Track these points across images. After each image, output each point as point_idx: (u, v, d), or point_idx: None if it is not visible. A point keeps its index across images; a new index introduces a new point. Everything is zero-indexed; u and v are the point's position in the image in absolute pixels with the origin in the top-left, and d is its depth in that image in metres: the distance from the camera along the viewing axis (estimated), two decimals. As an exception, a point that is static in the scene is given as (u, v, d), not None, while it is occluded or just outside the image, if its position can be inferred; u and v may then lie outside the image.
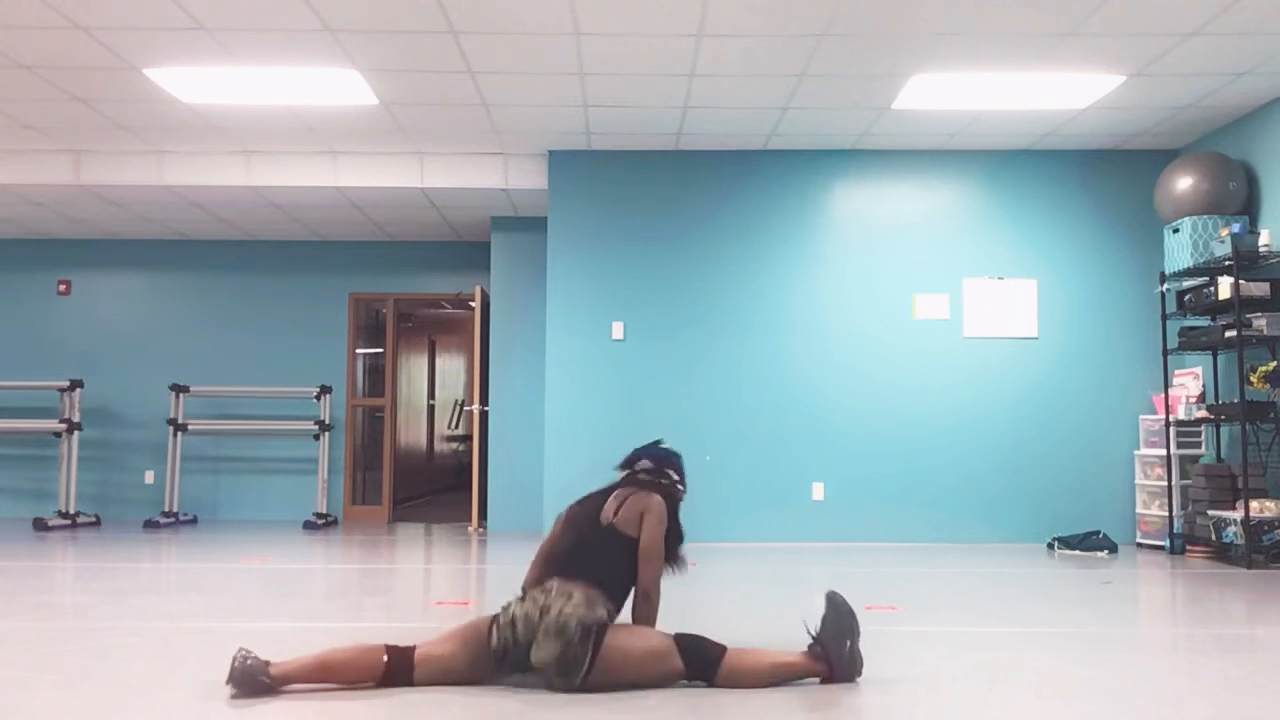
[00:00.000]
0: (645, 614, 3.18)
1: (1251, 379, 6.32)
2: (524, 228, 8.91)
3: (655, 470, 3.34)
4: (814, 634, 3.11)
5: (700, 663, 3.00)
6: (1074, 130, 7.21)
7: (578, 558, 3.10)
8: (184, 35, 5.53)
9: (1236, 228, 6.46)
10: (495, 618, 3.04)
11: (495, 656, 3.00)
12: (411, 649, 3.03)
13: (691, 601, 4.80)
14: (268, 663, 2.95)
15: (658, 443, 3.50)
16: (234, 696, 2.93)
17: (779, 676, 3.06)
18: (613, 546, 3.13)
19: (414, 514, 10.40)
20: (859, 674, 3.10)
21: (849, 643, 3.05)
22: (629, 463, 3.41)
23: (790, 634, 3.94)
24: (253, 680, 2.91)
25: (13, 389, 9.36)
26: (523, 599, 3.04)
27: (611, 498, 3.25)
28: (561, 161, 7.74)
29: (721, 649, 3.02)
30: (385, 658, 2.99)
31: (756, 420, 7.46)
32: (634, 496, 3.21)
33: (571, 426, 7.53)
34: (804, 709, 2.86)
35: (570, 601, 2.94)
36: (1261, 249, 6.35)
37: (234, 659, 2.93)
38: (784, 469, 7.46)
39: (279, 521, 9.33)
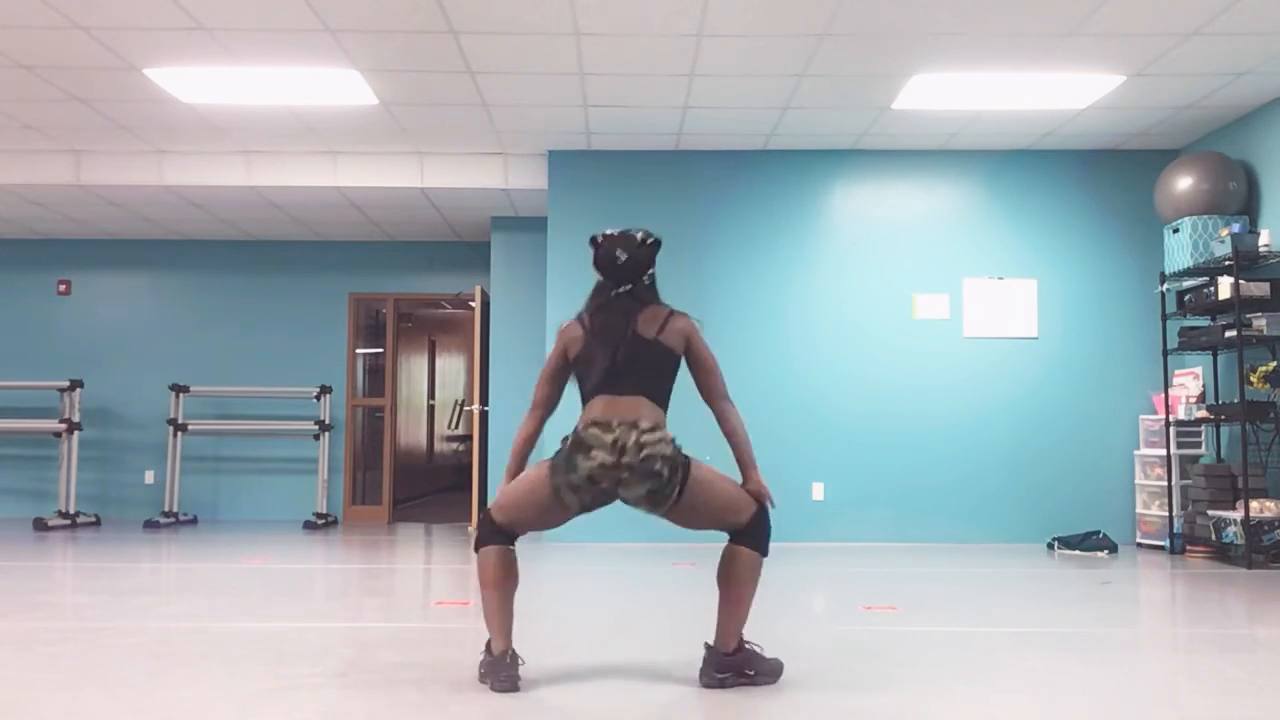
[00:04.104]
0: (736, 420, 3.15)
1: (1251, 379, 6.32)
2: (524, 228, 8.91)
3: (650, 286, 3.22)
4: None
5: (757, 534, 3.08)
6: (1074, 130, 7.21)
7: (631, 368, 3.06)
8: (184, 35, 5.53)
9: (1236, 228, 6.46)
10: (556, 481, 2.98)
11: (578, 510, 3.03)
12: (506, 532, 3.09)
13: (693, 601, 4.80)
14: (497, 655, 3.05)
15: (633, 238, 3.19)
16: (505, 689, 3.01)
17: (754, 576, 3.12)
18: (659, 358, 3.09)
19: (414, 514, 10.40)
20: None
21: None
22: (614, 274, 3.16)
23: (791, 633, 3.94)
24: (515, 668, 3.05)
25: (13, 389, 9.36)
26: (581, 446, 2.95)
27: (648, 316, 3.12)
28: (561, 161, 7.74)
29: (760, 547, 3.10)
30: (509, 548, 3.08)
31: (757, 420, 7.45)
32: (674, 316, 3.13)
33: (570, 426, 7.51)
34: (804, 710, 2.86)
35: (644, 435, 2.93)
36: (1261, 249, 6.35)
37: (501, 677, 3.01)
38: (784, 469, 7.46)
39: (279, 521, 9.33)
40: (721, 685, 3.06)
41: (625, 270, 3.15)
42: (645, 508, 3.01)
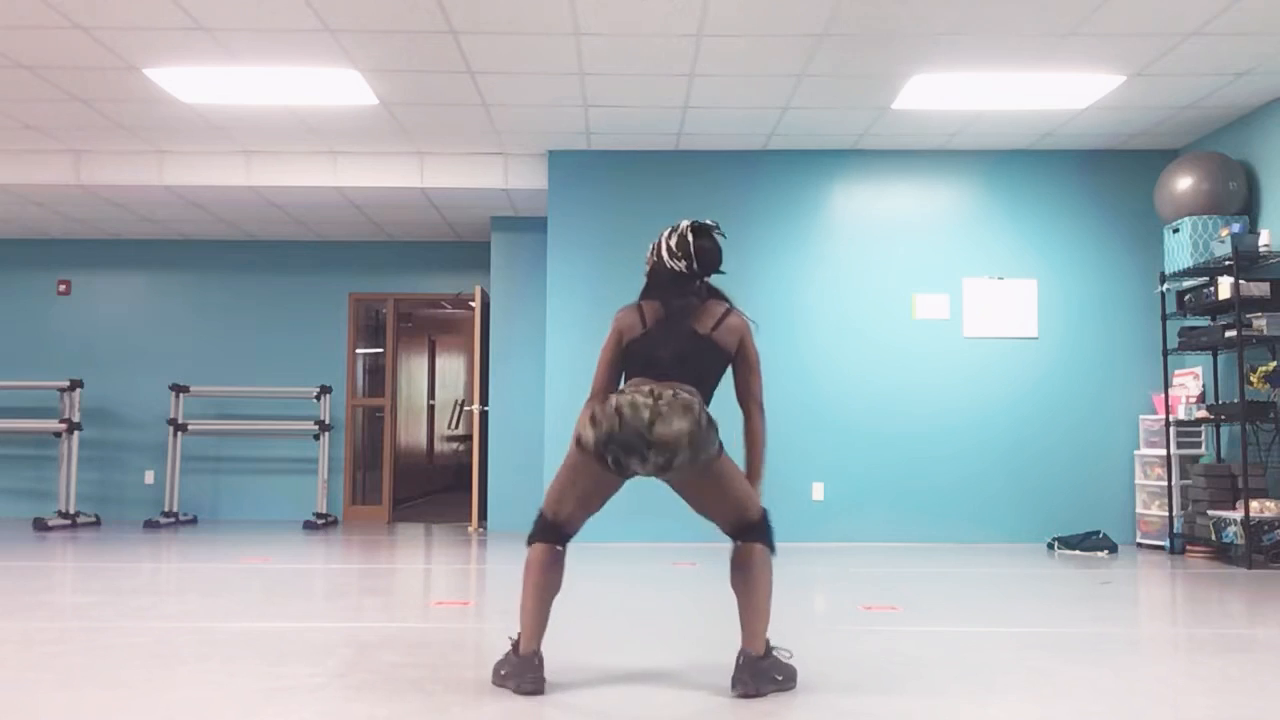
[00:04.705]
0: (761, 428, 3.16)
1: (1251, 379, 6.32)
2: (524, 228, 8.91)
3: (713, 288, 3.21)
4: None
5: (766, 532, 3.07)
6: (1074, 130, 7.20)
7: (679, 363, 3.03)
8: (184, 35, 5.53)
9: (1236, 228, 6.46)
10: (587, 431, 2.87)
11: (614, 466, 2.88)
12: (556, 530, 3.07)
13: (695, 601, 4.80)
14: (524, 655, 3.03)
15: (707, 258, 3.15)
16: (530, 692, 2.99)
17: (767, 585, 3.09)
18: (710, 355, 3.07)
19: (414, 514, 10.40)
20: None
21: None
22: (689, 279, 3.11)
23: (792, 633, 3.94)
24: (542, 670, 3.03)
25: (13, 389, 9.36)
26: (613, 402, 2.86)
27: (705, 311, 3.10)
28: (561, 161, 7.74)
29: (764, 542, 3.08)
30: (557, 549, 3.07)
31: (756, 420, 7.45)
32: (731, 313, 3.12)
33: (571, 426, 7.52)
34: (804, 710, 2.86)
35: (681, 392, 2.88)
36: (1261, 249, 6.35)
37: (527, 679, 2.99)
38: (784, 469, 7.46)
39: (279, 521, 9.33)
40: (759, 693, 2.99)
41: (715, 262, 3.12)
42: (683, 451, 2.81)
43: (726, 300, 3.19)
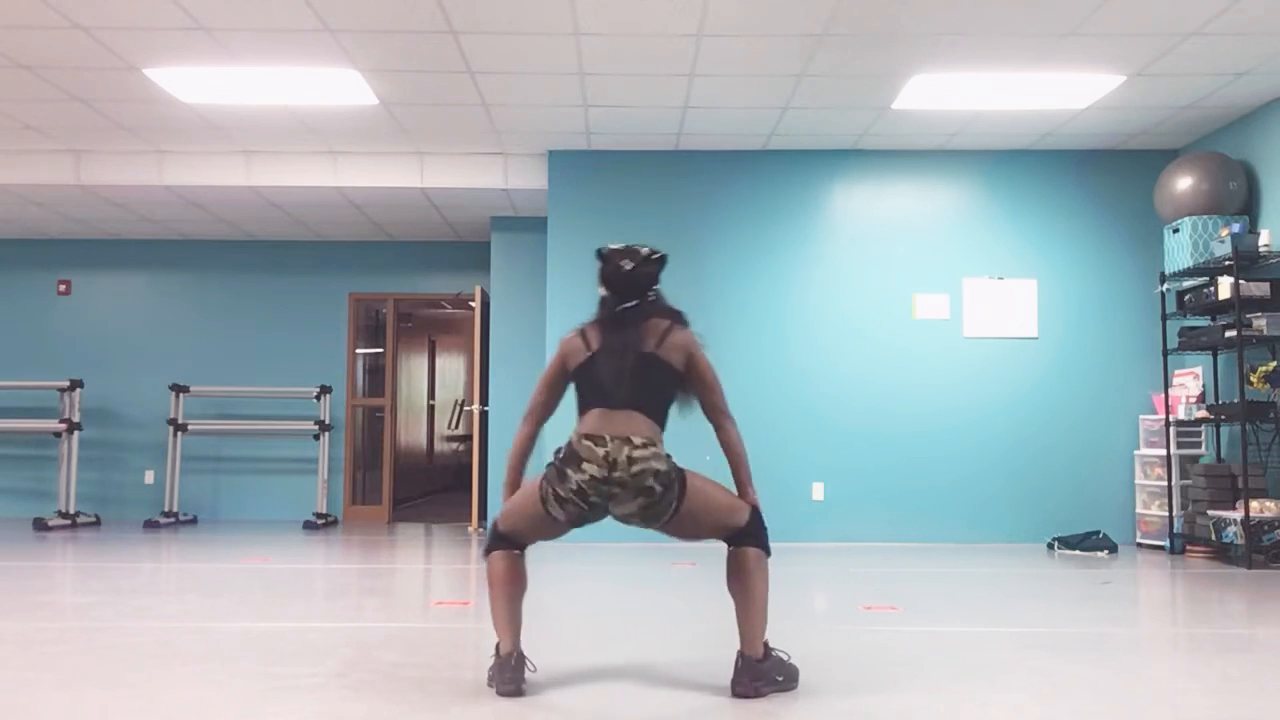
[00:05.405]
0: (734, 437, 3.14)
1: (1251, 379, 6.32)
2: (524, 228, 8.91)
3: (655, 301, 3.21)
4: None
5: (758, 533, 3.08)
6: (1074, 130, 7.21)
7: (625, 386, 3.02)
8: (184, 35, 5.53)
9: (1236, 228, 6.46)
10: (545, 491, 2.98)
11: (567, 524, 3.02)
12: (511, 539, 3.10)
13: (695, 602, 4.80)
14: (503, 655, 3.04)
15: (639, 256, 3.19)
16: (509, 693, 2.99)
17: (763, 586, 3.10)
18: (657, 373, 3.06)
19: (414, 514, 10.40)
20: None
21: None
22: (619, 288, 3.15)
23: (792, 633, 3.94)
24: (520, 671, 3.03)
25: (13, 389, 9.36)
26: (573, 458, 2.94)
27: (647, 330, 3.09)
28: (561, 161, 7.74)
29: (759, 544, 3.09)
30: (515, 553, 3.10)
31: (757, 420, 7.46)
32: (673, 330, 3.11)
33: (570, 426, 7.51)
34: (805, 710, 2.86)
35: (636, 450, 2.91)
36: (1261, 249, 6.35)
37: (505, 679, 3.00)
38: (784, 469, 7.46)
39: (279, 521, 9.33)
40: (758, 694, 3.00)
41: (630, 285, 3.13)
42: (639, 523, 3.00)
43: (670, 317, 3.15)
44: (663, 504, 2.94)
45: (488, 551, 3.12)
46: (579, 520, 3.01)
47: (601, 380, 3.04)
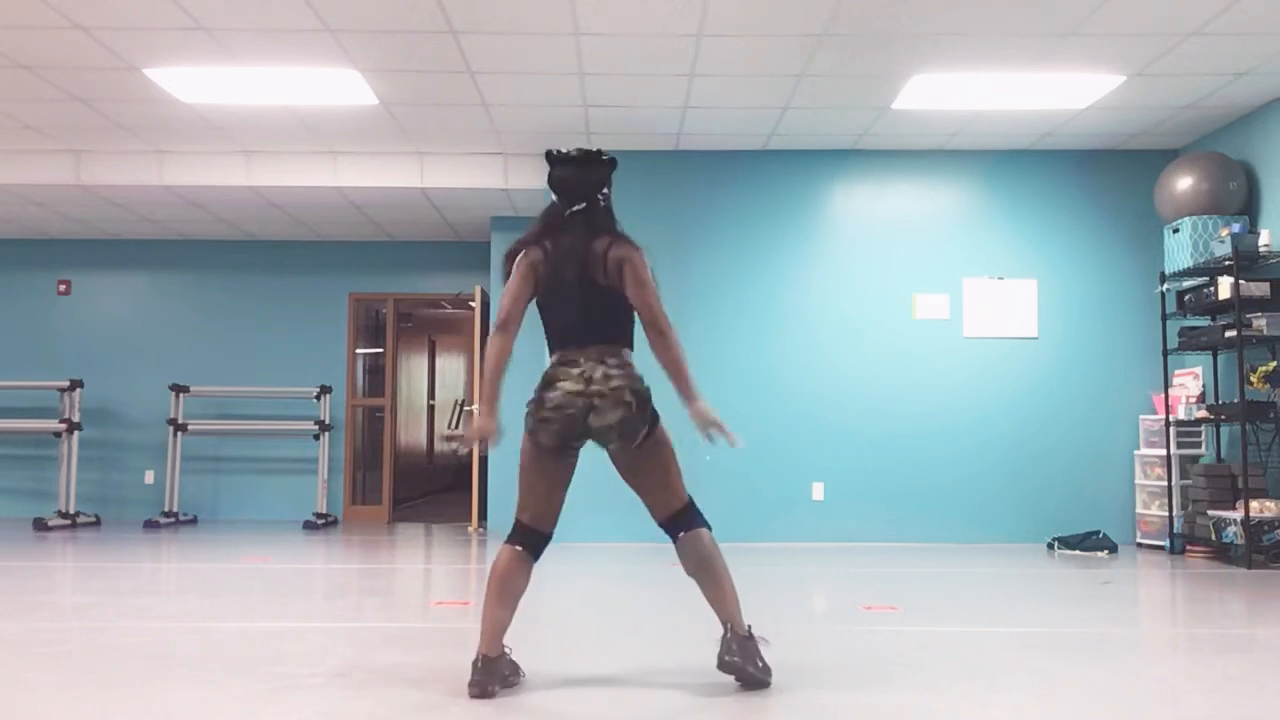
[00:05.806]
0: (672, 350, 3.05)
1: (1251, 379, 6.32)
2: (524, 228, 8.76)
3: (605, 207, 3.21)
4: None
5: (697, 514, 3.12)
6: (1074, 130, 7.20)
7: (586, 322, 3.07)
8: (184, 35, 5.53)
9: (1236, 228, 6.46)
10: (530, 424, 3.00)
11: (559, 451, 3.01)
12: (532, 533, 3.08)
13: (694, 602, 4.80)
14: (488, 656, 3.02)
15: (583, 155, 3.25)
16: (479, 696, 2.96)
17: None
18: (611, 300, 3.09)
19: (414, 514, 10.40)
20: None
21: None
22: (570, 193, 3.20)
23: (792, 633, 3.94)
24: (490, 675, 3.00)
25: (13, 389, 9.36)
26: (549, 382, 3.00)
27: (591, 253, 3.08)
28: (561, 161, 7.73)
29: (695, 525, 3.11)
30: (520, 551, 3.06)
31: (757, 420, 7.46)
32: (613, 245, 3.09)
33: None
34: (805, 710, 2.86)
35: (610, 369, 2.97)
36: (1261, 249, 6.35)
37: (471, 682, 2.98)
38: (784, 469, 7.46)
39: (279, 521, 9.33)
40: (745, 667, 3.03)
41: (580, 187, 3.17)
42: (615, 442, 2.98)
43: (609, 233, 3.13)
44: (638, 421, 2.96)
45: (506, 543, 3.12)
46: (566, 440, 2.98)
47: (568, 323, 3.10)
